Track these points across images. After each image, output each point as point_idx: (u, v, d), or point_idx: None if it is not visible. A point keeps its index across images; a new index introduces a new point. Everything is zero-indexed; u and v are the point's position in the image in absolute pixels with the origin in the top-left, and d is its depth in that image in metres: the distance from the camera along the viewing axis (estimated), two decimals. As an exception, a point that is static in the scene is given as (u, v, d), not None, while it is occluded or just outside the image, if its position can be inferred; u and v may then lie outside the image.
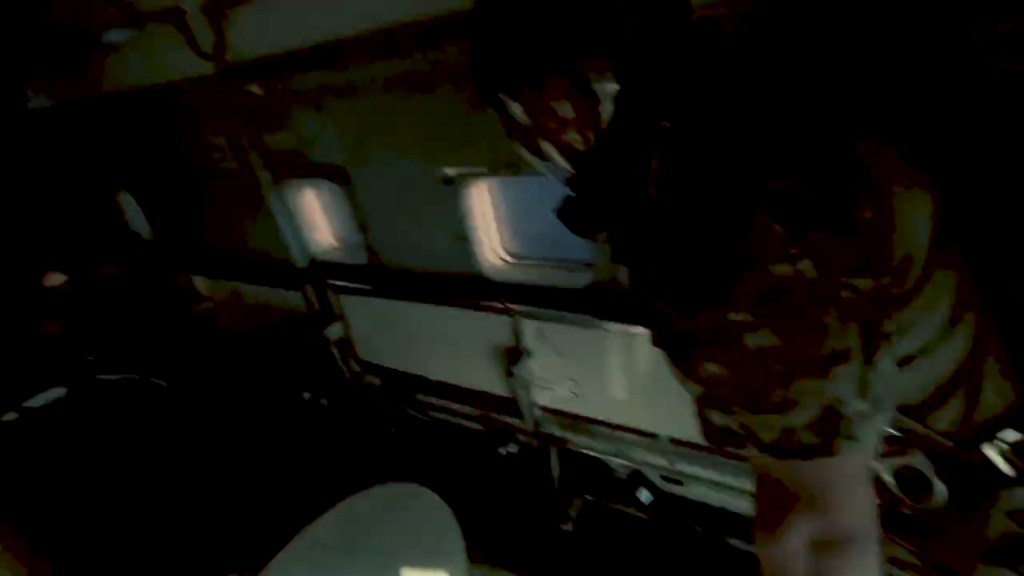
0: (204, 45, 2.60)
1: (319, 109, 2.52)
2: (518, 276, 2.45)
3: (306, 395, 3.60)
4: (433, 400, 2.91)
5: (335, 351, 3.03)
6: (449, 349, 2.70)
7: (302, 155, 2.76)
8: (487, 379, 2.64)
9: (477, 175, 2.25)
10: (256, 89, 2.52)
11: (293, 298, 3.13)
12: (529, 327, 2.36)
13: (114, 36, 2.80)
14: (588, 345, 2.25)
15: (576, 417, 2.51)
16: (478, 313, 2.46)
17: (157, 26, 2.66)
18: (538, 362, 2.43)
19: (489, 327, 2.46)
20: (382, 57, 2.12)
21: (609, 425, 2.43)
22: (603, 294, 2.19)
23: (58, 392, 4.01)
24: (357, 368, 3.16)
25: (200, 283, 3.70)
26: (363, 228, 2.77)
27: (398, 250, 2.76)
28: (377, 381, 3.15)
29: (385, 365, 3.07)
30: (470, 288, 2.51)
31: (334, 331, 2.99)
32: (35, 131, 3.69)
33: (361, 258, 2.98)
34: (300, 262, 3.14)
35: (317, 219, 3.14)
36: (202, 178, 3.25)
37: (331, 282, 2.93)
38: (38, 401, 3.93)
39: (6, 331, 3.81)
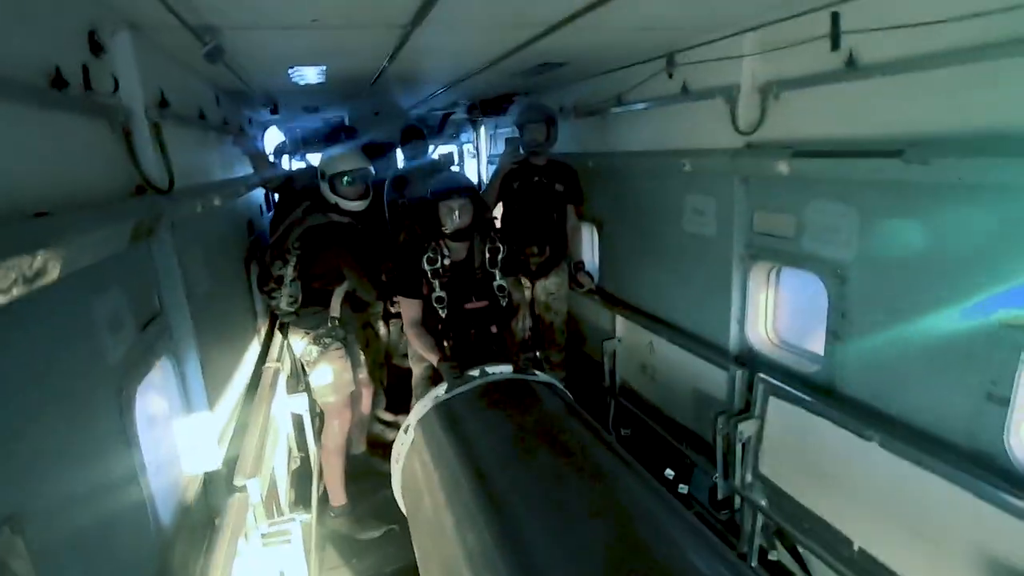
0: (743, 122, 2.74)
1: (845, 200, 2.33)
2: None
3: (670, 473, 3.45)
4: (842, 568, 2.31)
5: (738, 447, 2.76)
6: (918, 524, 2.09)
7: (791, 241, 2.62)
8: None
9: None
10: (783, 168, 2.49)
11: (714, 376, 3.02)
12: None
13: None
14: None
15: None
16: (994, 511, 1.81)
17: (703, 102, 2.95)
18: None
19: (1002, 530, 1.79)
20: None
21: None
22: None
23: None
24: (749, 477, 2.82)
25: (619, 321, 3.97)
26: (835, 337, 2.44)
27: (869, 378, 2.33)
28: (763, 502, 2.74)
29: (786, 491, 2.64)
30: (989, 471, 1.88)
31: (746, 427, 2.73)
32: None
33: (808, 367, 2.66)
34: (733, 345, 3.01)
35: (767, 308, 2.97)
36: (665, 233, 3.48)
37: (766, 377, 2.69)
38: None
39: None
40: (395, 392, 4.73)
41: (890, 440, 2.11)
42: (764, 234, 2.80)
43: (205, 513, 2.12)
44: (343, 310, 3.42)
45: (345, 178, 3.25)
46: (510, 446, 2.31)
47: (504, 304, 3.19)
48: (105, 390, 1.46)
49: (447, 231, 2.95)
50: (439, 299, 3.02)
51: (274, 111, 4.46)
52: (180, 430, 2.05)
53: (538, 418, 2.53)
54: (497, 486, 2.04)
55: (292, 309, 3.29)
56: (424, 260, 2.99)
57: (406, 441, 2.80)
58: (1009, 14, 1.66)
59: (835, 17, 2.22)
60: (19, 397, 1.08)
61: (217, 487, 2.16)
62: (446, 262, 3.02)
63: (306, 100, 4.55)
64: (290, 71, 3.02)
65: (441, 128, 7.74)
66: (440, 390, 2.84)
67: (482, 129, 7.33)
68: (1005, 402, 1.83)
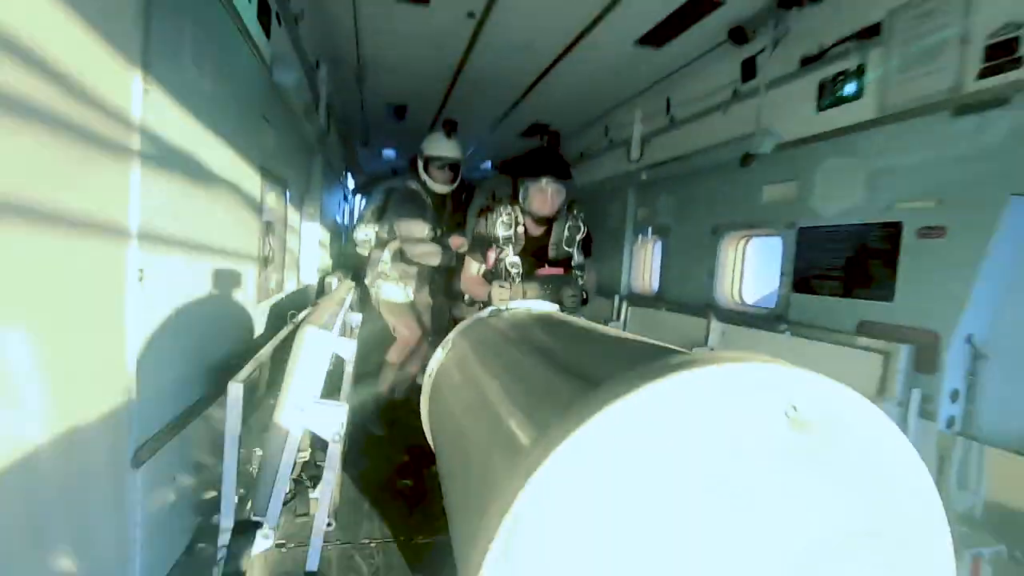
0: (634, 155, 4.79)
1: (670, 193, 4.30)
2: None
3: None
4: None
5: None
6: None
7: (653, 221, 4.55)
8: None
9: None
10: (644, 176, 4.49)
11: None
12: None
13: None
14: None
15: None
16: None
17: (617, 148, 5.04)
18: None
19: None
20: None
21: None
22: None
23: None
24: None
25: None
26: (663, 271, 4.30)
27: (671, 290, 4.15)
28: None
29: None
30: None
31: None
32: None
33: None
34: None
35: (647, 266, 4.83)
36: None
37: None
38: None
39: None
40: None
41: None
42: (643, 220, 4.73)
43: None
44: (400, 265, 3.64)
45: (437, 162, 3.64)
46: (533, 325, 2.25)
47: (580, 281, 2.90)
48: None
49: (536, 215, 2.85)
50: (513, 263, 2.84)
51: (364, 143, 6.63)
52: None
53: (566, 325, 2.34)
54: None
55: (366, 248, 3.83)
56: (498, 225, 2.86)
57: (439, 356, 2.21)
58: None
59: (668, 102, 4.31)
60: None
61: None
62: (519, 229, 2.90)
63: (388, 136, 6.71)
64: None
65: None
66: (483, 313, 2.58)
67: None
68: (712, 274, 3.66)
